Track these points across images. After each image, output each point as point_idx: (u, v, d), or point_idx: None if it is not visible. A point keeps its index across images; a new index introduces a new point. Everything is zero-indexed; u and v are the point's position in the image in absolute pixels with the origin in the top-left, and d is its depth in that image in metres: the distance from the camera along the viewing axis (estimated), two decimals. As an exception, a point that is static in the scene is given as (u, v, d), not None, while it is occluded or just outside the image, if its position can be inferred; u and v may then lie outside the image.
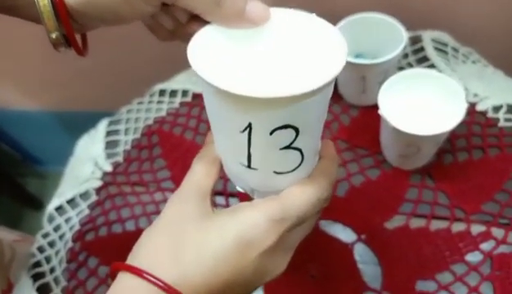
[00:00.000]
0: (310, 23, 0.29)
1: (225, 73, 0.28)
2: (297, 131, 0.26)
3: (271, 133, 0.26)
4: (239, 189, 0.34)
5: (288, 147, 0.27)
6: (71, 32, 0.29)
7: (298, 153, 0.28)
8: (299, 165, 0.29)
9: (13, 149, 1.42)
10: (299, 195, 0.28)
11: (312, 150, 0.30)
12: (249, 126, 0.26)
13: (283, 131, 0.26)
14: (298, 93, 0.23)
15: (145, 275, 0.25)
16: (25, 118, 1.21)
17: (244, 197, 0.33)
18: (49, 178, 1.53)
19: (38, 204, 1.47)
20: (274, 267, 0.29)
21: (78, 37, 0.31)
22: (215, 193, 0.55)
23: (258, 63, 0.30)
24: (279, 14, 0.29)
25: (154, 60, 0.92)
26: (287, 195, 0.28)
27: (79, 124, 1.15)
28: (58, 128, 1.26)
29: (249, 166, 0.29)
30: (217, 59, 0.28)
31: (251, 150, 0.28)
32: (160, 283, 0.25)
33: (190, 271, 0.26)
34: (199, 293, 0.26)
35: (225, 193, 0.57)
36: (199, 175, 0.30)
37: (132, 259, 0.27)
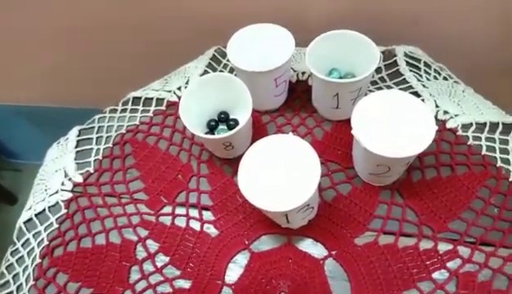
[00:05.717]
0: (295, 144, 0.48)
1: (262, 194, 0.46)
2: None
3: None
4: None
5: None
6: None
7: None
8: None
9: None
10: None
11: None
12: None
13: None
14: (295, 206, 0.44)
15: None
16: (-1, 112, 1.19)
17: None
18: (23, 172, 1.51)
19: (12, 199, 1.45)
20: None
21: None
22: (190, 205, 0.56)
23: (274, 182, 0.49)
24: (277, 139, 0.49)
25: (128, 62, 0.91)
26: None
27: (53, 119, 1.14)
28: (33, 123, 1.24)
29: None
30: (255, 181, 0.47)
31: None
32: None
33: None
34: None
35: (198, 205, 0.57)
36: None
37: None
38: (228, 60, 0.69)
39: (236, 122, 0.58)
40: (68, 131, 0.66)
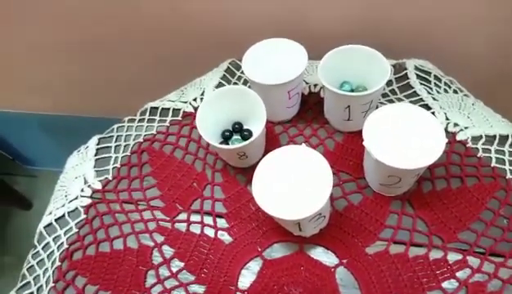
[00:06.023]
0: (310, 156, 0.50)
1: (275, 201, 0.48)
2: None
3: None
4: None
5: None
6: None
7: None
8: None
9: (2, 150, 1.42)
10: None
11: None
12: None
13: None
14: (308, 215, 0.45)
15: None
16: (15, 120, 1.22)
17: None
18: (39, 178, 1.54)
19: (27, 204, 1.48)
20: None
21: None
22: (205, 212, 0.57)
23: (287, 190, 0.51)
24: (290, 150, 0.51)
25: (145, 73, 0.93)
26: None
27: (67, 127, 1.17)
28: (47, 130, 1.27)
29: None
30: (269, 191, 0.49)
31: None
32: None
33: None
34: None
35: (212, 213, 0.59)
36: None
37: None
38: (242, 73, 0.71)
39: (250, 133, 0.60)
40: (82, 139, 0.69)
